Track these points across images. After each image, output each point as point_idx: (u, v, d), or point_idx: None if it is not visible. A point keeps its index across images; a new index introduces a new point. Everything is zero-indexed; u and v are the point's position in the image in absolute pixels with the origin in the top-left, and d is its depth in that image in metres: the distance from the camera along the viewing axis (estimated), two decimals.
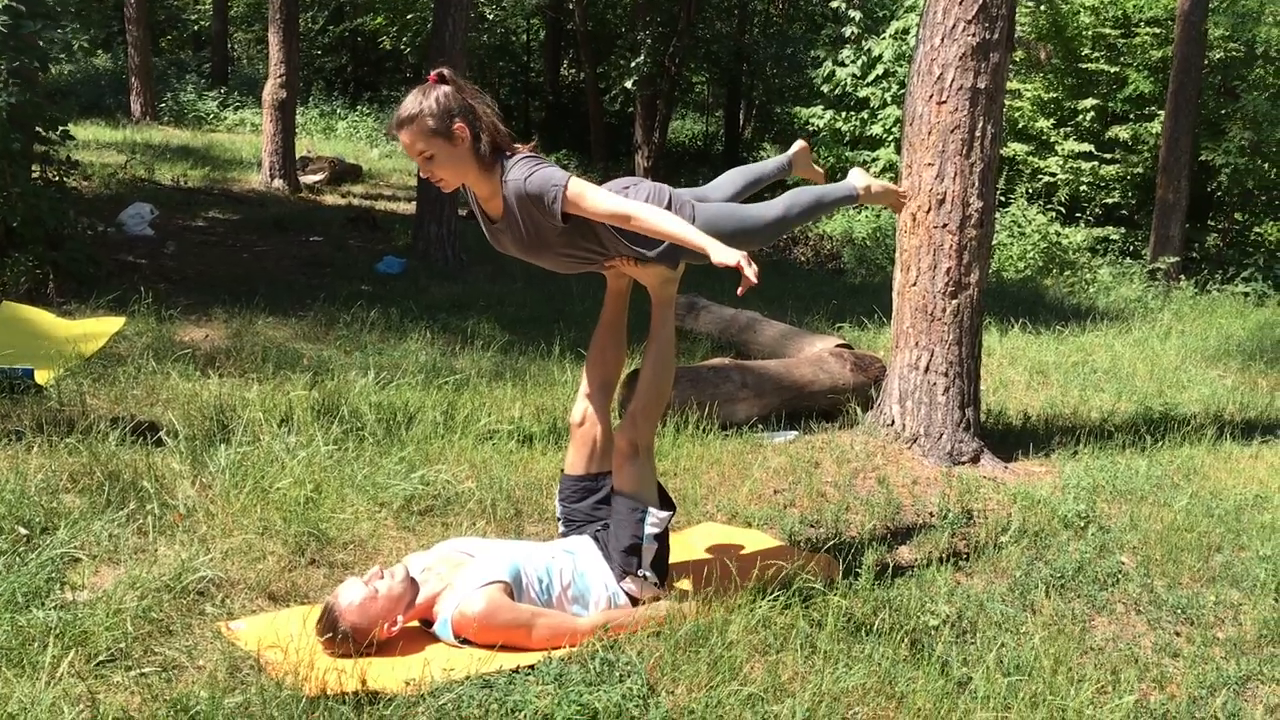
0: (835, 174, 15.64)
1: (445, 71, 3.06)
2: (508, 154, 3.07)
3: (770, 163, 3.93)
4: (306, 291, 7.99)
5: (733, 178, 3.76)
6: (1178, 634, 3.58)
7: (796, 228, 3.81)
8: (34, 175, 7.73)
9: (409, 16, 21.63)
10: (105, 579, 3.24)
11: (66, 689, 2.61)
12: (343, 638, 2.91)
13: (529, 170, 3.02)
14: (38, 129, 7.65)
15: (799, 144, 3.98)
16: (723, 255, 2.94)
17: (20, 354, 5.39)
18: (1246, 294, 11.49)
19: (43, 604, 3.00)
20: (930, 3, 5.12)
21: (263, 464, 4.08)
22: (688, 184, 3.68)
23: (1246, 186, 13.00)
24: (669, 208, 3.26)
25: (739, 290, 2.94)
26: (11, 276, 6.94)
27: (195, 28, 27.05)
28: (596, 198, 3.00)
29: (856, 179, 3.94)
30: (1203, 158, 12.69)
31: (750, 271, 2.89)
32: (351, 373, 5.59)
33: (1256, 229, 13.56)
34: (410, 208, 12.05)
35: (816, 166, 4.03)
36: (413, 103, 3.01)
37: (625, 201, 3.03)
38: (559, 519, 3.54)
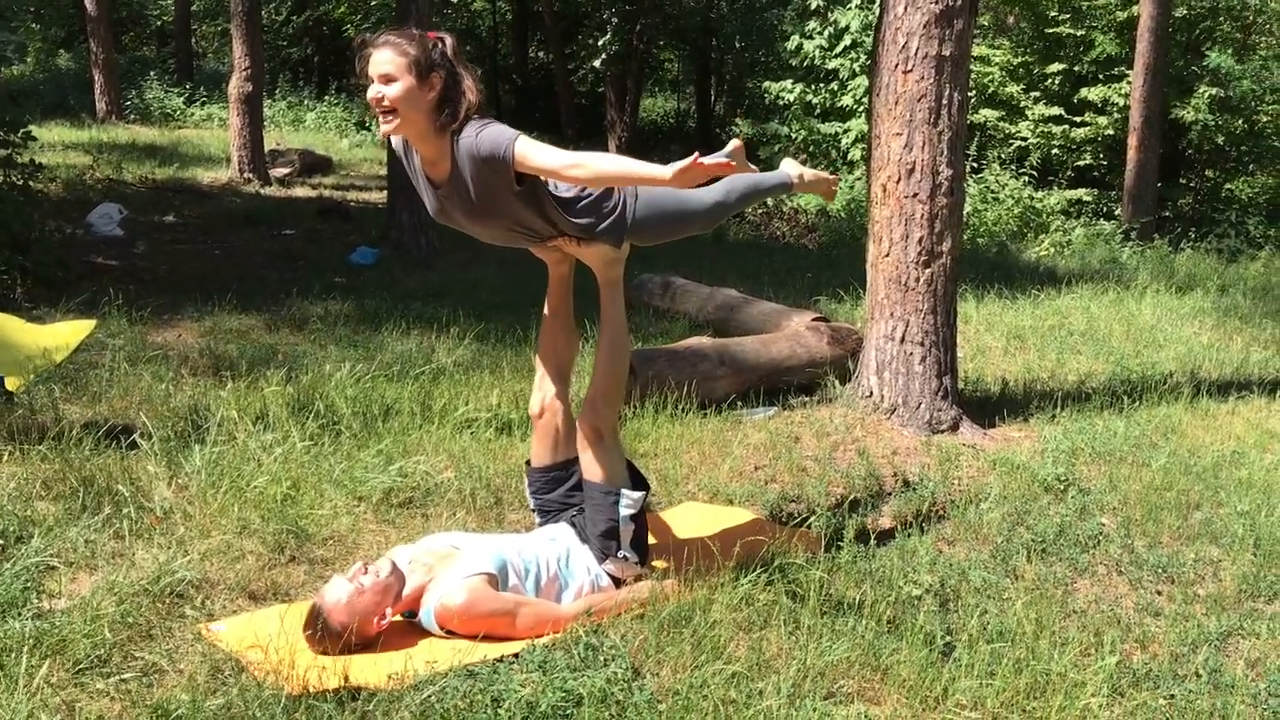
0: (806, 147, 15.65)
1: (446, 37, 3.01)
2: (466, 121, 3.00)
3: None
4: (279, 286, 7.93)
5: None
6: (1159, 593, 3.60)
7: (734, 213, 3.79)
8: None
9: (373, 3, 21.45)
10: (83, 585, 3.21)
11: (45, 699, 2.58)
12: (332, 636, 2.89)
13: (478, 129, 2.94)
14: None
15: (735, 142, 3.97)
16: (673, 168, 2.80)
17: None
18: (1220, 250, 11.56)
19: (19, 614, 2.97)
20: None
21: (239, 463, 4.05)
22: (660, 162, 3.66)
23: (1216, 143, 13.05)
24: (612, 189, 3.22)
25: (708, 167, 2.78)
26: None
27: (158, 23, 26.76)
28: (543, 153, 2.90)
29: (789, 168, 3.93)
30: (1172, 116, 12.73)
31: (709, 161, 2.77)
32: (326, 366, 5.55)
33: (1228, 185, 13.64)
34: (382, 197, 11.98)
35: (751, 166, 4.03)
36: (403, 34, 2.95)
37: (570, 152, 2.93)
38: (533, 510, 3.53)
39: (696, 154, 2.78)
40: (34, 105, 17.66)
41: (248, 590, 3.29)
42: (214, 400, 4.87)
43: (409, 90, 2.90)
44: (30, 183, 8.08)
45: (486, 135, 2.92)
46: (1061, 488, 4.41)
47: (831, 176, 4.05)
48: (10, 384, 4.99)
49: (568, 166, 2.87)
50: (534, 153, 2.89)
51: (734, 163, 2.87)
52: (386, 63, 2.90)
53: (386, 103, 2.91)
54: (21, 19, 20.76)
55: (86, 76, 19.99)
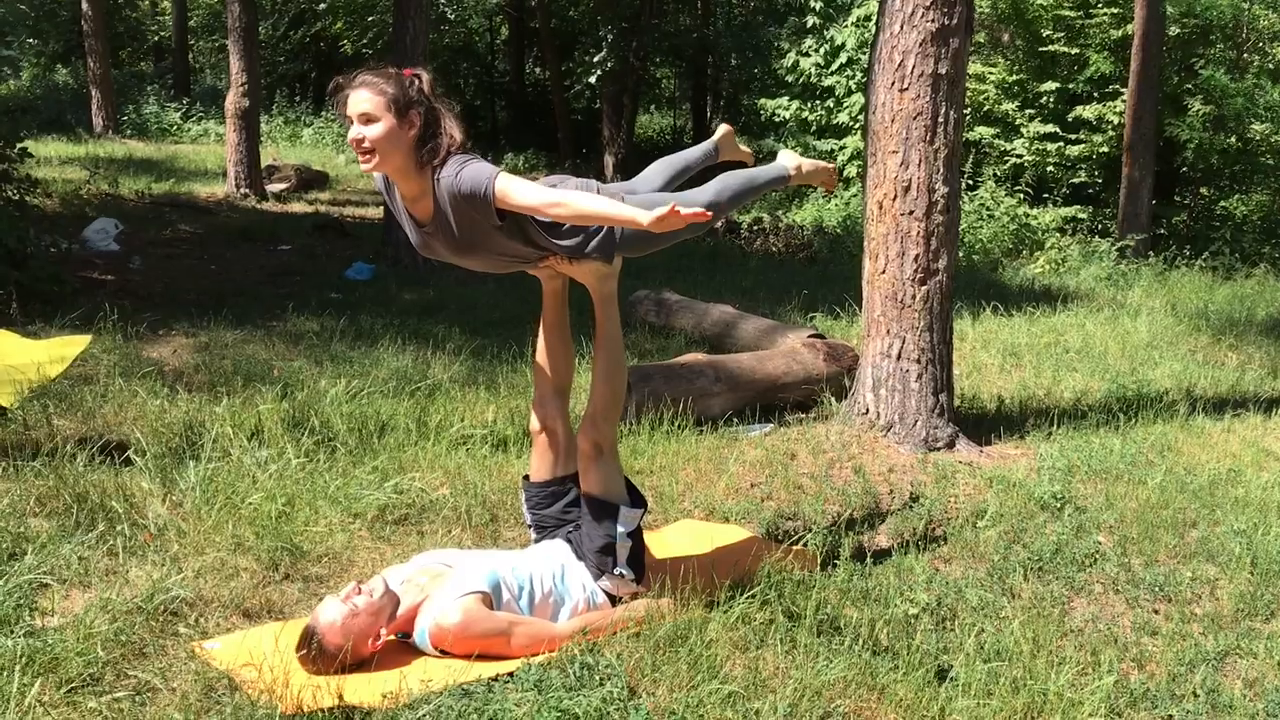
0: None
1: (422, 72, 3.02)
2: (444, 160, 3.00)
3: (696, 149, 3.87)
4: (275, 301, 7.92)
5: (660, 168, 3.70)
6: (1156, 612, 3.59)
7: (730, 212, 3.76)
8: None
9: (369, 20, 21.51)
10: (76, 603, 3.20)
11: (37, 718, 2.57)
12: (326, 657, 2.87)
13: (459, 167, 2.93)
14: None
15: (723, 127, 3.95)
16: (652, 214, 2.79)
17: None
18: (1215, 268, 11.57)
19: (11, 631, 2.95)
20: None
21: (233, 479, 4.04)
22: None
23: (1210, 161, 13.10)
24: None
25: (685, 217, 2.76)
26: None
27: (155, 39, 26.80)
28: (523, 191, 2.89)
29: (786, 159, 3.89)
30: (1167, 134, 12.78)
31: (686, 211, 2.76)
32: (322, 383, 5.54)
33: (1222, 203, 13.68)
34: (378, 213, 11.99)
35: (743, 148, 3.98)
36: (380, 74, 2.95)
37: (551, 190, 2.93)
38: (529, 526, 3.52)
39: (673, 204, 2.78)
40: (31, 120, 17.67)
41: (242, 608, 3.27)
42: (209, 416, 4.86)
43: (389, 130, 2.91)
44: (26, 198, 8.08)
45: (467, 173, 2.92)
46: (1058, 506, 4.41)
47: (830, 165, 4.00)
48: (4, 399, 4.99)
49: (549, 205, 2.88)
50: (514, 190, 2.89)
51: (709, 212, 2.85)
52: (365, 102, 2.90)
53: (367, 143, 2.91)
54: (18, 34, 20.80)
55: (84, 92, 20.04)
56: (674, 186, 3.68)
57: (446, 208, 2.97)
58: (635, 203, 3.24)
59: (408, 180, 3.00)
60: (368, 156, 2.93)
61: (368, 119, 2.91)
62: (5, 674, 2.70)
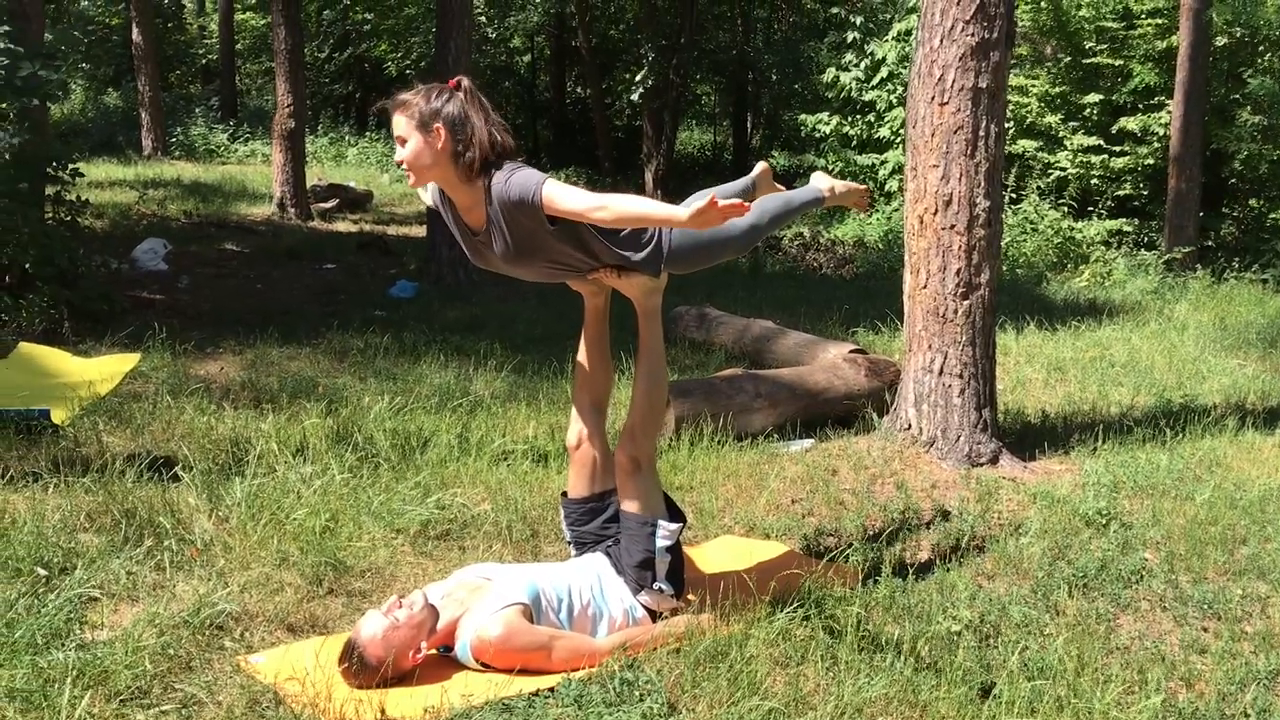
0: (843, 178, 15.63)
1: (464, 80, 3.08)
2: (496, 167, 3.06)
3: (734, 184, 3.91)
4: (320, 319, 8.01)
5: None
6: (1205, 630, 3.54)
7: (769, 234, 3.81)
8: (46, 216, 7.79)
9: (412, 40, 21.75)
10: (124, 617, 3.25)
11: None
12: (368, 670, 2.90)
13: (508, 175, 3.01)
14: (48, 169, 7.71)
15: (761, 165, 3.98)
16: (691, 208, 2.83)
17: (36, 394, 5.42)
18: (1264, 281, 11.38)
19: (62, 644, 3.01)
20: (928, 4, 5.11)
21: (278, 495, 4.09)
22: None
23: (1260, 172, 12.90)
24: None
25: (724, 209, 2.76)
26: (27, 317, 6.99)
27: (203, 62, 27.26)
28: (567, 196, 2.96)
29: (820, 181, 3.93)
30: (1214, 145, 12.61)
31: (725, 203, 2.78)
32: (365, 399, 5.60)
33: (1272, 215, 13.44)
34: (421, 231, 12.09)
35: (779, 187, 4.02)
36: (415, 92, 3.05)
37: (594, 194, 3.00)
38: (569, 542, 3.54)
39: (713, 195, 2.82)
40: (83, 143, 18.03)
41: (286, 622, 3.31)
42: (255, 433, 4.93)
43: (417, 148, 3.01)
44: (77, 219, 8.24)
45: (516, 181, 2.99)
46: (1103, 522, 4.35)
47: (863, 187, 4.04)
48: (57, 416, 5.08)
49: (592, 209, 2.94)
50: (560, 196, 2.96)
51: (748, 203, 2.88)
52: (397, 125, 3.04)
53: (403, 165, 3.04)
54: (67, 58, 21.26)
55: (134, 114, 20.41)
56: (767, 232, 3.74)
57: (499, 216, 3.04)
58: (724, 230, 3.27)
59: (458, 191, 3.09)
60: (408, 174, 3.05)
61: (402, 140, 3.03)
62: (57, 686, 2.75)
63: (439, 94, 3.04)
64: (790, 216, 3.83)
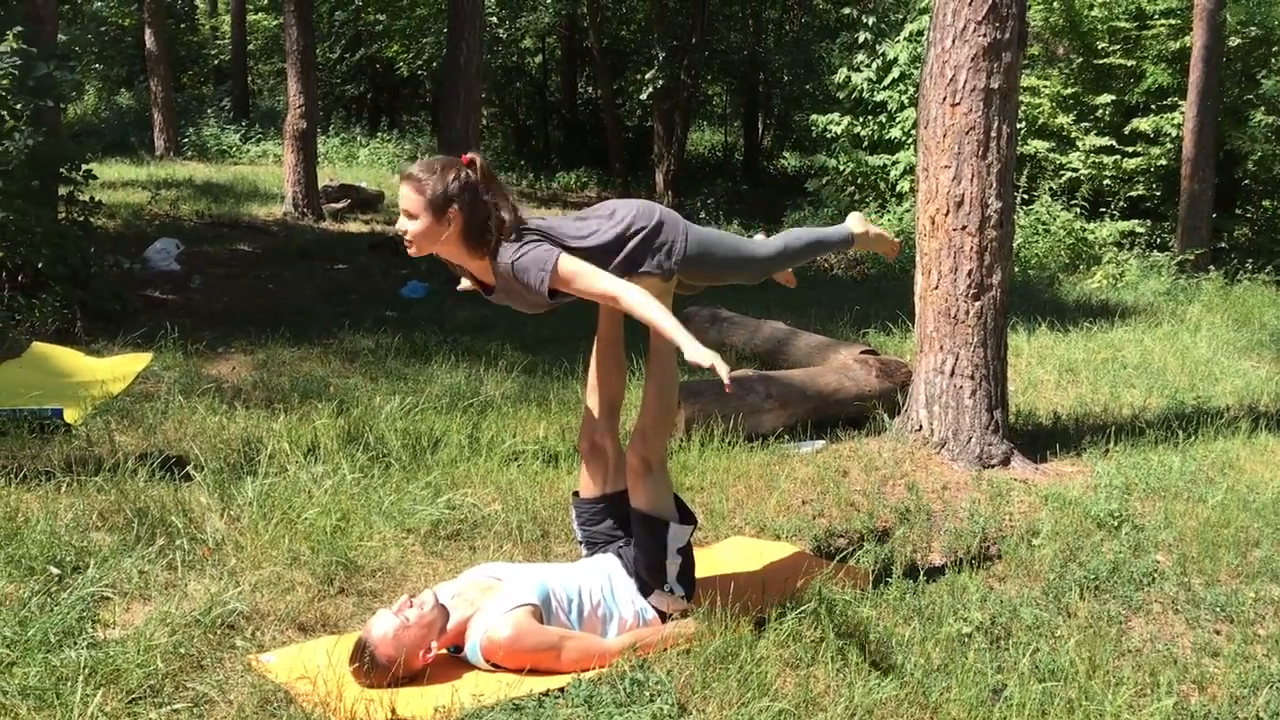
0: (854, 179, 15.64)
1: (477, 159, 3.08)
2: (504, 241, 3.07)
3: (829, 231, 3.89)
4: (331, 319, 8.03)
5: (792, 237, 3.70)
6: (1217, 632, 3.52)
7: (792, 266, 3.81)
8: (59, 216, 7.82)
9: (424, 41, 21.79)
10: (136, 616, 3.26)
11: None
12: (379, 669, 2.91)
13: (515, 254, 3.01)
14: (60, 170, 7.74)
15: (857, 219, 3.97)
16: (696, 355, 2.85)
17: (49, 394, 5.45)
18: (1278, 282, 11.33)
19: (75, 643, 3.02)
20: (940, 5, 5.10)
21: (290, 494, 4.10)
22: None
23: (1274, 173, 12.84)
24: (659, 224, 3.24)
25: (721, 377, 2.84)
26: (40, 317, 7.02)
27: (216, 63, 27.34)
28: (588, 278, 2.99)
29: (854, 224, 3.94)
30: (1228, 146, 12.55)
31: (723, 372, 2.82)
32: (376, 399, 5.61)
33: None
34: None
35: (874, 227, 4.00)
36: (426, 167, 3.03)
37: (614, 282, 3.01)
38: (580, 542, 3.54)
39: (722, 370, 2.82)
40: (95, 143, 18.09)
41: (297, 622, 3.31)
42: (266, 432, 4.94)
43: (426, 227, 3.02)
44: (90, 219, 8.27)
45: (523, 264, 3.00)
46: (1115, 524, 4.34)
47: (895, 239, 4.06)
48: (69, 416, 5.11)
49: (605, 296, 3.01)
50: (579, 277, 3.00)
51: (730, 389, 3.01)
52: (405, 199, 3.03)
53: (407, 237, 3.05)
54: (80, 59, 21.33)
55: (146, 114, 20.49)
56: (791, 263, 3.71)
57: (510, 281, 3.07)
58: (700, 232, 3.32)
59: (464, 260, 3.13)
60: (409, 244, 3.07)
61: (408, 214, 3.03)
62: (69, 684, 2.76)
63: (452, 173, 3.02)
64: (818, 252, 3.84)
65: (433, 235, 3.03)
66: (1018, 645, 3.29)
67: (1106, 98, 13.36)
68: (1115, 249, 12.42)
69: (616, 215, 3.22)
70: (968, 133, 5.04)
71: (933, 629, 3.32)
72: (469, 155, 3.08)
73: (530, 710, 2.80)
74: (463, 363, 6.66)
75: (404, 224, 3.05)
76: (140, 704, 2.77)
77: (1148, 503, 4.64)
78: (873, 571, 3.74)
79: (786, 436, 5.39)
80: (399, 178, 3.08)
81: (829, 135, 15.94)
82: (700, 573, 3.50)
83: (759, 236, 3.67)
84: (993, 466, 5.07)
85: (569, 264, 2.99)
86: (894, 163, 14.95)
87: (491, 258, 3.05)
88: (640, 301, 2.97)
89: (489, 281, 3.16)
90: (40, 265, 7.23)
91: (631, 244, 3.18)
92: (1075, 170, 13.34)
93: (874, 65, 15.53)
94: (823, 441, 5.39)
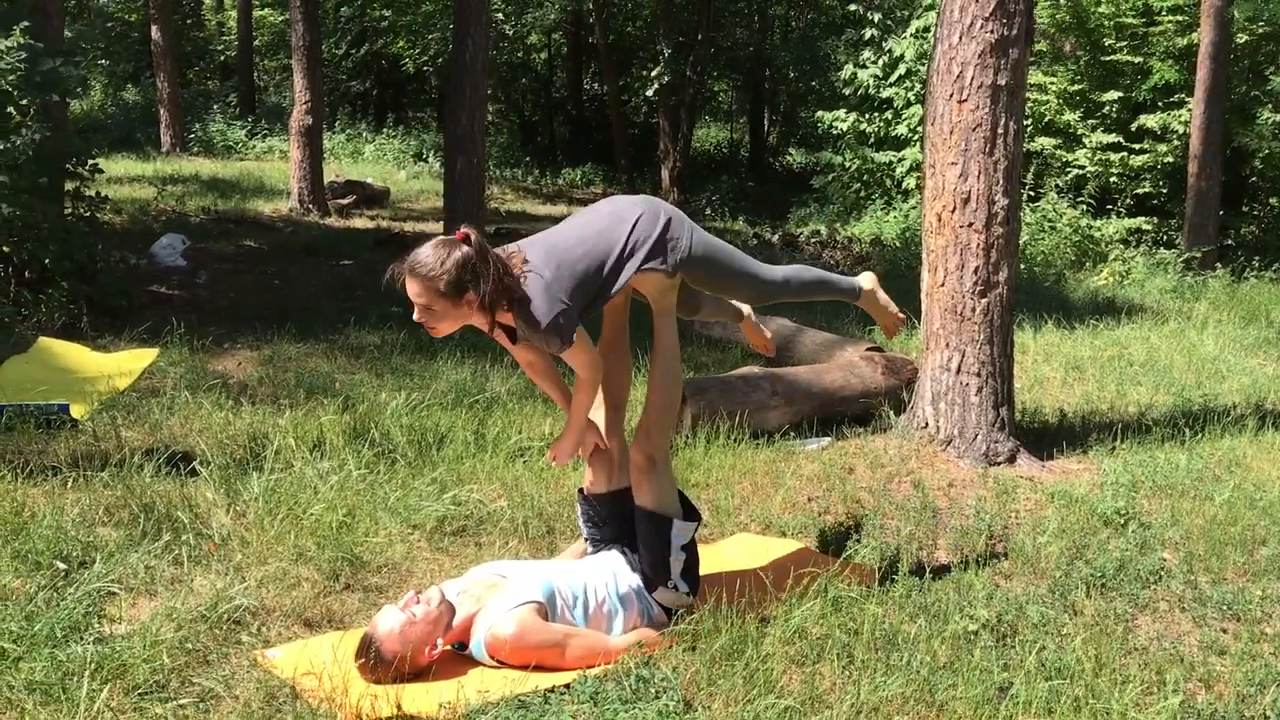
0: (860, 176, 15.62)
1: (471, 233, 3.07)
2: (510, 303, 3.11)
3: (843, 283, 3.90)
4: (337, 315, 8.03)
5: (797, 271, 3.74)
6: (1224, 631, 3.51)
7: (790, 301, 3.83)
8: (66, 211, 7.83)
9: (430, 37, 21.78)
10: (142, 611, 3.27)
11: None
12: (384, 665, 2.91)
13: (532, 323, 3.07)
14: (67, 165, 7.75)
15: (868, 276, 3.98)
16: (566, 447, 3.35)
17: (56, 389, 5.45)
18: None
19: (81, 638, 3.02)
20: (947, 1, 5.09)
21: (295, 490, 4.10)
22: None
23: None
24: (667, 221, 3.27)
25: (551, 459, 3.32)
26: (46, 312, 7.03)
27: (222, 58, 27.35)
28: (585, 358, 3.18)
29: (865, 280, 3.94)
30: (1235, 143, 12.52)
31: (567, 458, 3.35)
32: (382, 395, 5.61)
33: None
34: (438, 228, 12.10)
35: (884, 298, 3.99)
36: (431, 258, 3.02)
37: (590, 375, 3.24)
38: (585, 539, 3.54)
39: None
40: (102, 139, 18.11)
41: (303, 617, 3.32)
42: (272, 428, 4.94)
43: (447, 315, 3.10)
44: (96, 214, 8.27)
45: (545, 333, 3.09)
46: (1121, 521, 4.33)
47: (900, 316, 4.04)
48: (76, 411, 5.11)
49: (582, 382, 3.27)
50: (579, 360, 3.18)
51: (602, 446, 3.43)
52: (418, 295, 3.06)
53: (430, 326, 3.13)
54: (87, 54, 21.35)
55: (153, 110, 20.50)
56: (792, 297, 3.75)
57: (529, 334, 3.16)
58: (704, 236, 3.37)
59: (484, 323, 3.17)
60: (434, 330, 3.15)
61: (426, 308, 3.08)
62: (76, 679, 2.77)
63: (455, 257, 3.01)
64: (821, 294, 3.83)
65: (455, 318, 3.10)
66: (1024, 643, 3.28)
67: (1113, 94, 13.33)
68: (1122, 246, 12.40)
69: (623, 217, 3.23)
70: (975, 129, 5.03)
71: (939, 626, 3.32)
72: (463, 230, 3.08)
73: (536, 707, 2.80)
74: (468, 359, 6.65)
75: (423, 316, 3.09)
76: (146, 699, 2.77)
77: (1154, 500, 4.63)
78: (879, 569, 3.74)
79: (792, 433, 5.39)
80: (405, 273, 3.06)
81: (835, 132, 15.93)
82: (706, 569, 3.50)
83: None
84: (999, 464, 5.06)
85: (579, 346, 3.13)
86: (900, 159, 14.94)
87: (513, 309, 3.10)
88: (590, 393, 3.29)
89: (511, 326, 3.21)
90: (47, 261, 7.24)
91: (639, 243, 3.20)
92: (1082, 167, 13.31)
93: (880, 62, 15.52)
94: (828, 439, 5.39)
